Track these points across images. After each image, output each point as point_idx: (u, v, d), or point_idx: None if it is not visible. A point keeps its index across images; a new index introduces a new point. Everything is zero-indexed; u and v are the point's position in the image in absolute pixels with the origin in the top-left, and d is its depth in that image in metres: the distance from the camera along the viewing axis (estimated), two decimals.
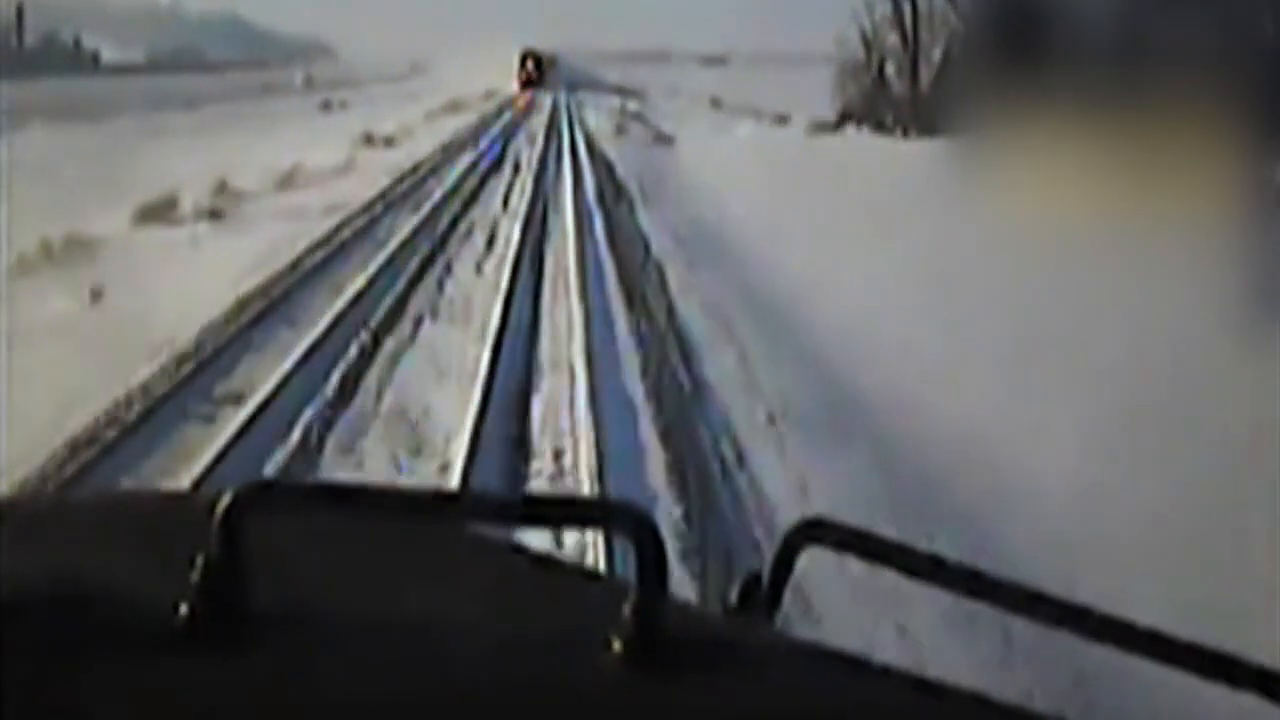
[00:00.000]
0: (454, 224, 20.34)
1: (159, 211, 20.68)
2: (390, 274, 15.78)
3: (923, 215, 19.75)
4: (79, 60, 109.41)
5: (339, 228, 19.20)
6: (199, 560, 0.97)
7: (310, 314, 13.28)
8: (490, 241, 19.03)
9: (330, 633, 1.01)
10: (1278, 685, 0.99)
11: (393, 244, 18.16)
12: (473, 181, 26.94)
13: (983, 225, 17.65)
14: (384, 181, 25.69)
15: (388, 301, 14.12)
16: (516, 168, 30.70)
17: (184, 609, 0.96)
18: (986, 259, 15.89)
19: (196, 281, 14.56)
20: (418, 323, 13.67)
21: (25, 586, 1.01)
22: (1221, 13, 20.29)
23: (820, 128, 43.46)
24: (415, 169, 28.71)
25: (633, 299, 15.03)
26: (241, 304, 13.53)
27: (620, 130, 47.04)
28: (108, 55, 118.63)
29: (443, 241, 18.84)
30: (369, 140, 38.01)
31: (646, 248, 18.52)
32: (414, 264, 16.79)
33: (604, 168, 31.08)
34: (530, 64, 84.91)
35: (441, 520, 1.20)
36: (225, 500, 0.97)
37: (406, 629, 1.03)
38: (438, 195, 23.81)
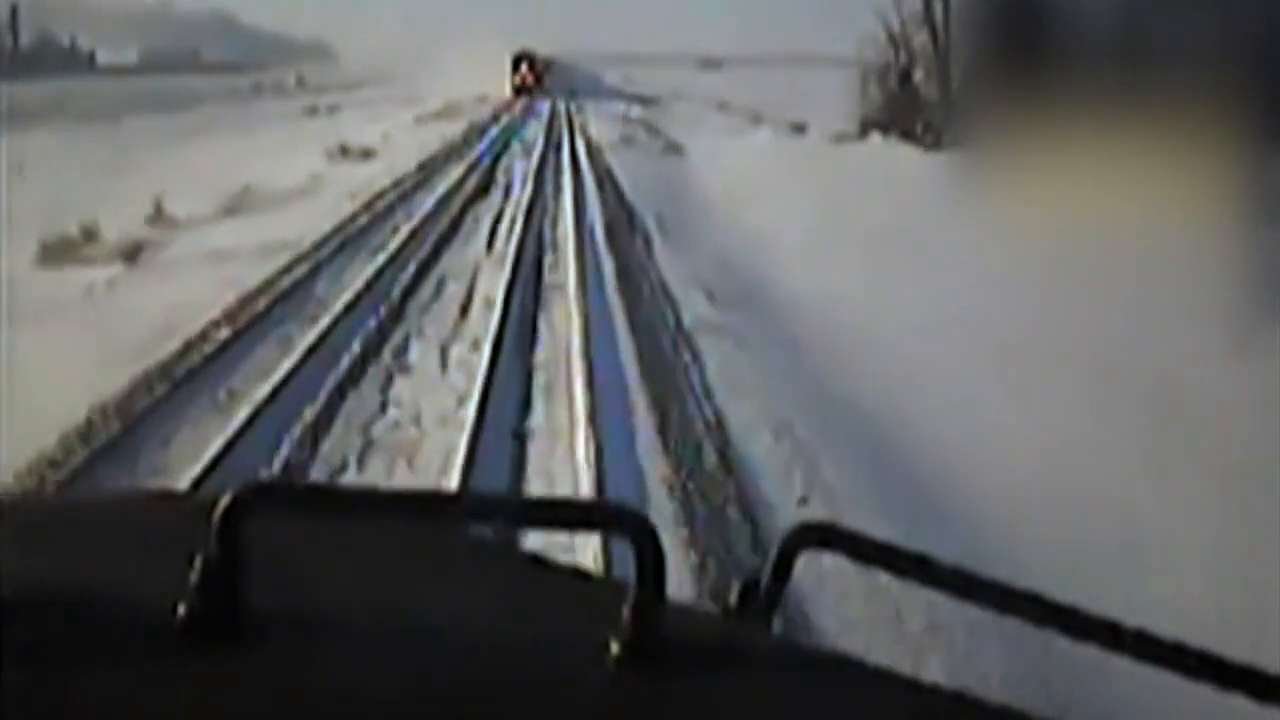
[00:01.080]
0: (421, 274, 16.43)
1: (70, 248, 18.15)
2: (320, 365, 11.83)
3: (966, 240, 18.39)
4: (75, 60, 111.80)
5: (275, 278, 15.64)
6: (199, 560, 0.96)
7: (205, 424, 9.99)
8: (465, 307, 14.67)
9: (329, 633, 1.01)
10: (1264, 685, 1.00)
11: (335, 307, 14.06)
12: (452, 210, 23.03)
13: (1021, 247, 16.67)
14: (346, 209, 22.27)
15: (308, 416, 10.30)
16: (507, 190, 26.92)
17: (184, 609, 0.96)
18: (1044, 292, 14.70)
19: (83, 352, 11.64)
20: (340, 468, 9.45)
21: (25, 586, 1.01)
22: (1222, 13, 20.59)
23: (843, 137, 41.14)
24: (385, 192, 25.58)
25: (665, 417, 10.67)
26: (130, 392, 10.67)
27: (627, 140, 43.75)
28: (95, 55, 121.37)
29: (401, 305, 14.53)
30: (344, 152, 35.96)
31: (676, 317, 14.57)
32: (355, 348, 12.48)
33: (611, 189, 27.69)
34: (525, 67, 79.64)
35: (440, 522, 1.21)
36: (224, 501, 0.97)
37: (405, 630, 1.03)
38: (405, 231, 19.93)
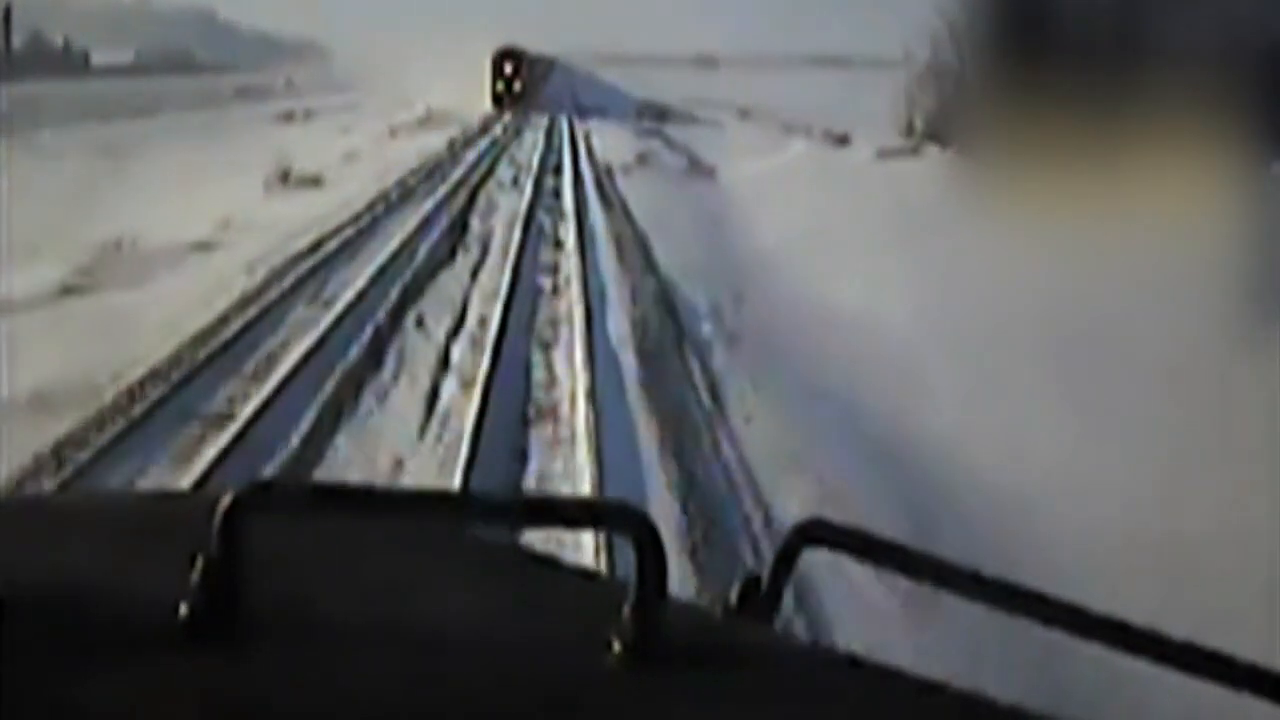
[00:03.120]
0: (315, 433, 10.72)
1: None
2: None
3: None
4: (69, 61, 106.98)
5: (72, 439, 10.26)
6: (199, 560, 1.01)
7: None
8: None
9: (329, 633, 1.05)
10: (1273, 684, 1.04)
11: None
12: (389, 302, 16.07)
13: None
14: (240, 285, 16.53)
15: None
16: (485, 248, 20.62)
17: (184, 609, 1.00)
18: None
19: None
20: None
21: (25, 586, 1.05)
22: (1223, 13, 21.03)
23: (893, 151, 35.62)
24: (300, 258, 18.97)
25: None
26: None
27: (643, 160, 37.33)
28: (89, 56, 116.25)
29: None
30: (285, 179, 29.97)
31: (767, 519, 9.17)
32: None
33: (634, 247, 21.44)
34: (510, 69, 63.24)
35: (442, 521, 1.28)
36: (225, 501, 1.01)
37: (406, 629, 1.07)
38: (310, 341, 13.45)
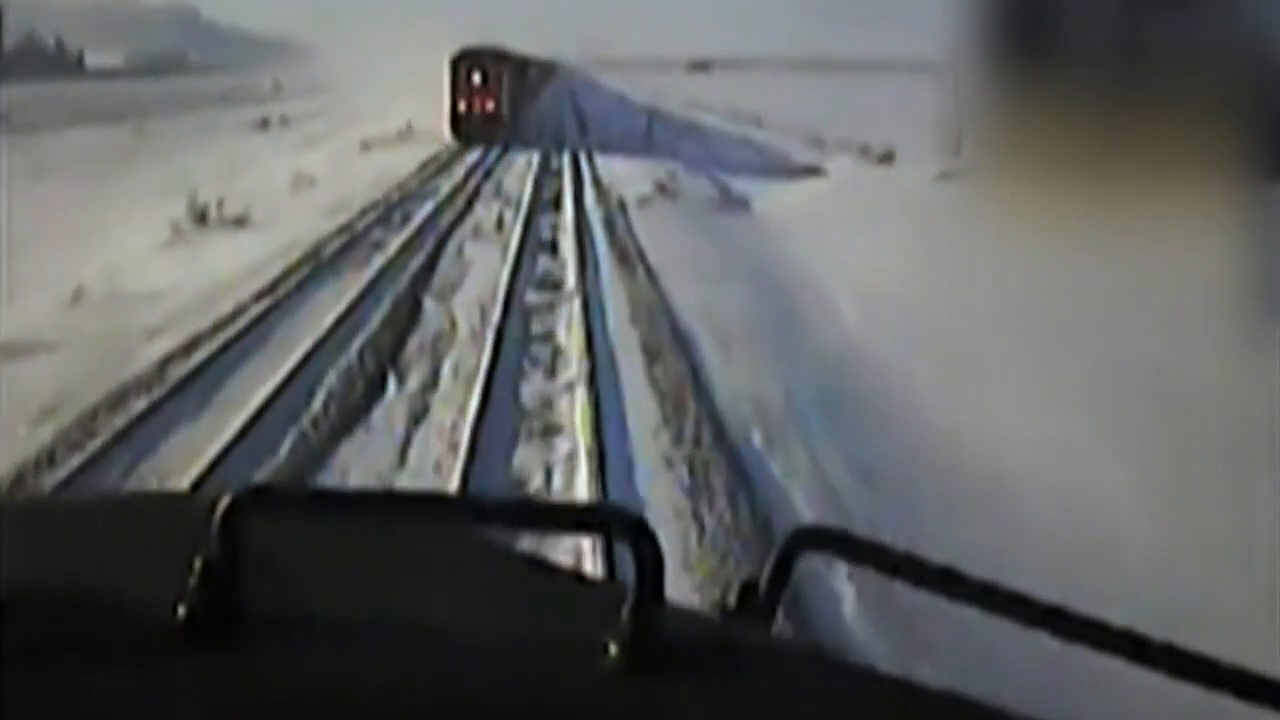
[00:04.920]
0: None
1: None
2: None
3: None
4: (62, 62, 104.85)
5: None
6: (198, 561, 1.03)
7: None
8: None
9: (328, 634, 1.07)
10: (1253, 685, 1.06)
11: None
12: (282, 447, 10.71)
13: None
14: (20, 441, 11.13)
15: None
16: (436, 364, 13.09)
17: (184, 609, 1.02)
18: None
19: None
20: None
21: (25, 586, 1.06)
22: (1223, 14, 20.45)
23: (949, 175, 28.81)
24: (165, 363, 12.84)
25: None
26: None
27: (664, 189, 29.76)
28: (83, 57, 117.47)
29: None
30: (201, 218, 23.06)
31: None
32: None
33: (670, 347, 13.99)
34: (478, 78, 43.36)
35: (439, 524, 1.30)
36: (225, 502, 1.04)
37: (404, 632, 1.08)
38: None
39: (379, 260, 19.43)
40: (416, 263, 19.59)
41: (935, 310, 16.15)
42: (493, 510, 1.18)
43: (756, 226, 25.94)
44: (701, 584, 7.85)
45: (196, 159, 34.38)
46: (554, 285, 18.15)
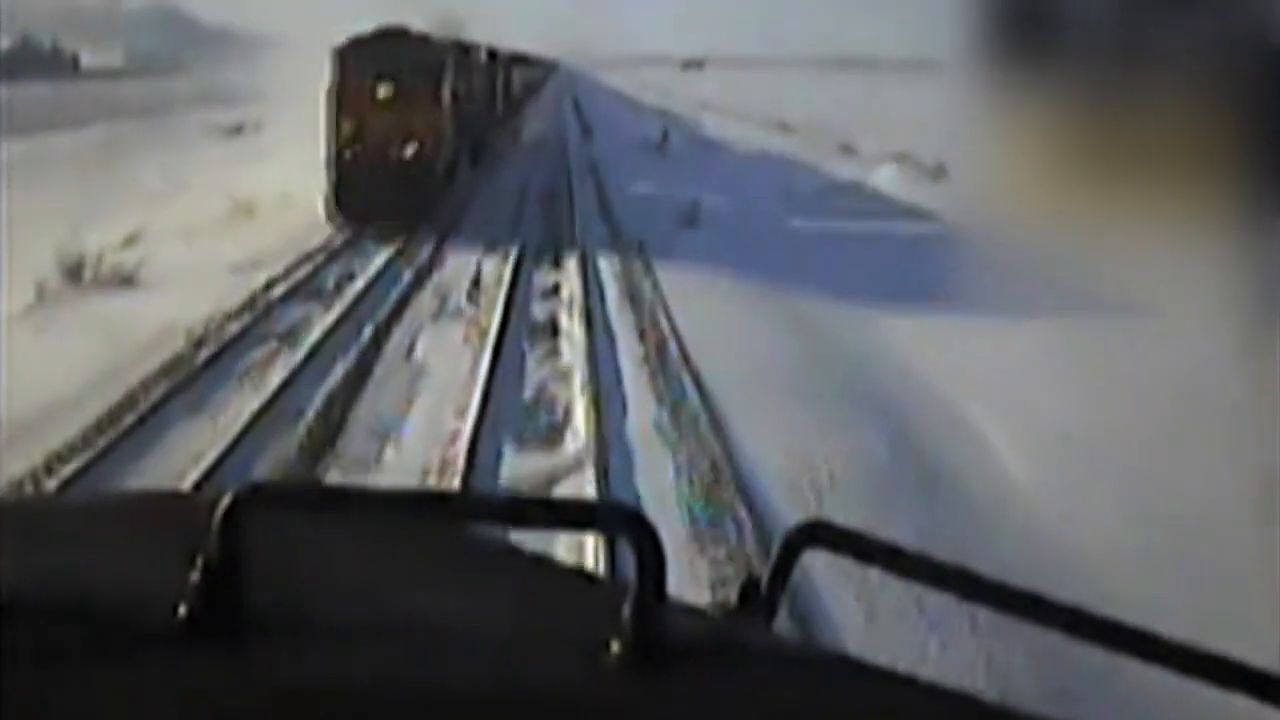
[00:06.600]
0: None
1: None
2: None
3: None
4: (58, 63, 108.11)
5: None
6: (199, 560, 1.04)
7: None
8: None
9: (329, 633, 1.07)
10: (1264, 684, 1.07)
11: None
12: None
13: None
14: None
15: None
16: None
17: (184, 609, 1.03)
18: None
19: None
20: None
21: (25, 586, 1.06)
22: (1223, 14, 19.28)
23: None
24: None
25: None
26: None
27: (691, 219, 25.62)
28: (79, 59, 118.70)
29: None
30: (75, 276, 17.86)
31: None
32: None
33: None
34: (383, 92, 23.74)
35: (440, 521, 1.30)
36: (225, 501, 1.04)
37: (405, 630, 1.08)
38: None
39: (279, 370, 13.36)
40: (328, 385, 13.11)
41: None
42: (492, 508, 1.16)
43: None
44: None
45: (135, 173, 31.18)
46: (552, 440, 11.87)
